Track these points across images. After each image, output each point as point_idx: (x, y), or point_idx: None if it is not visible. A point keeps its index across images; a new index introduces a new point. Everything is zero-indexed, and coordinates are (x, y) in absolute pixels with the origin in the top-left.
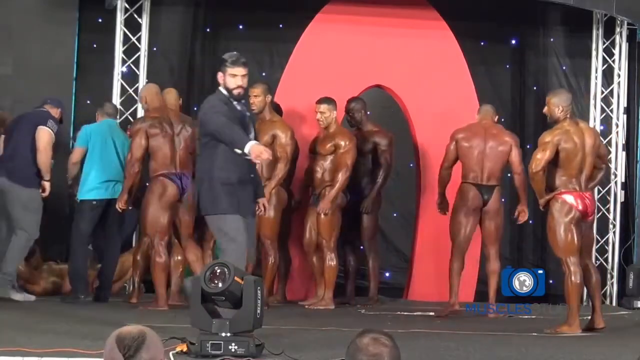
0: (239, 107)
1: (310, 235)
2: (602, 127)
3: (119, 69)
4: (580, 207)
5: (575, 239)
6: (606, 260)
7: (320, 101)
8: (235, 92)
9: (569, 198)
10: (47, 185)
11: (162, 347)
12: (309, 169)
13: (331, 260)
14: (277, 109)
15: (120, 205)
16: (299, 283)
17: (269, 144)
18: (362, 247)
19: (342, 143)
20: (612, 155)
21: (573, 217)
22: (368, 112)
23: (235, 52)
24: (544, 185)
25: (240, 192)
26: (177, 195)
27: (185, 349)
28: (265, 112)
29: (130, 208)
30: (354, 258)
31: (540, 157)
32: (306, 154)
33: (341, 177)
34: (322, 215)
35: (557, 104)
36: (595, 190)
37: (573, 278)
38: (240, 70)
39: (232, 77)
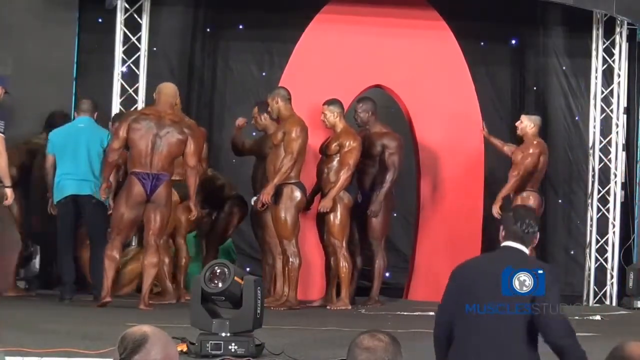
0: None
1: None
2: (602, 127)
3: (119, 69)
4: None
5: None
6: (606, 260)
7: (324, 102)
8: None
9: None
10: (8, 191)
11: (173, 347)
12: (319, 170)
13: (344, 261)
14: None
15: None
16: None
17: (280, 141)
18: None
19: (346, 143)
20: (612, 155)
21: None
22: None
23: None
24: None
25: None
26: (144, 195)
27: (185, 349)
28: (282, 114)
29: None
30: (360, 260)
31: None
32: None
33: (342, 176)
34: (332, 218)
35: None
36: (595, 190)
37: None
38: None
39: None
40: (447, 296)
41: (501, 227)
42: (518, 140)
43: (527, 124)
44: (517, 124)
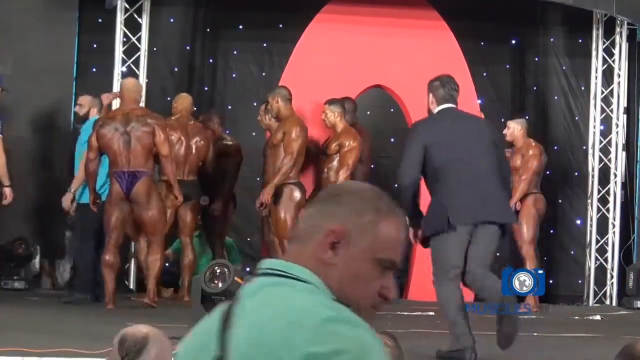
0: None
1: None
2: (602, 127)
3: (119, 69)
4: None
5: None
6: (606, 260)
7: (325, 102)
8: None
9: None
10: (7, 191)
11: (169, 348)
12: (319, 170)
13: None
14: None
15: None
16: None
17: (279, 141)
18: None
19: (346, 143)
20: (612, 155)
21: None
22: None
23: None
24: None
25: None
26: (122, 194)
27: None
28: (282, 113)
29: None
30: None
31: None
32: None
33: (341, 175)
34: None
35: None
36: (595, 190)
37: None
38: None
39: None
40: (415, 153)
41: (429, 96)
42: (508, 145)
43: (515, 126)
44: (504, 131)
